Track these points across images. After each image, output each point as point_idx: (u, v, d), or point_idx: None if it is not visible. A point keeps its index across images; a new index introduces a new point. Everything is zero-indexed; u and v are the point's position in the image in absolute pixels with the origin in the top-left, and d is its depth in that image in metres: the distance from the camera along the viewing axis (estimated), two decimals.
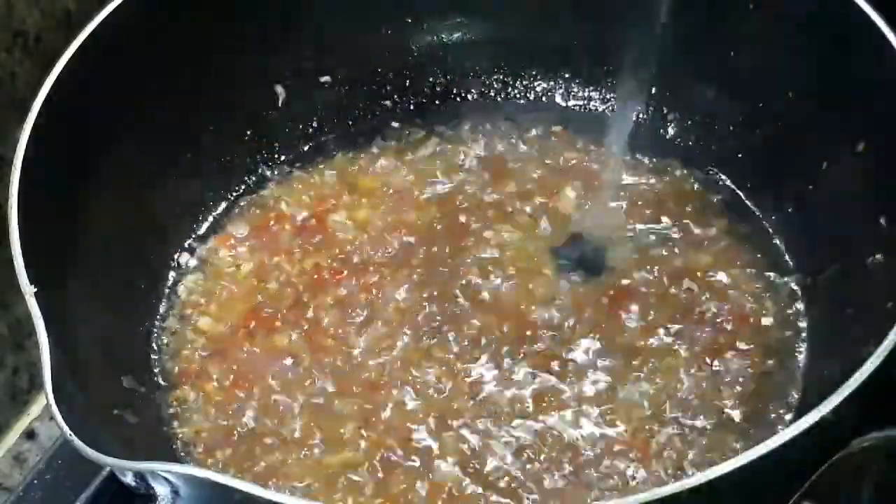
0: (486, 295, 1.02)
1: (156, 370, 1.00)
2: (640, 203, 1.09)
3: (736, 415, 0.94)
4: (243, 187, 1.14)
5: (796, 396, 0.95)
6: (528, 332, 0.99)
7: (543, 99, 1.20)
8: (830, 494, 0.81)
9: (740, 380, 0.96)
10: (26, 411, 1.13)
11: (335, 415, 0.95)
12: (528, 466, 0.91)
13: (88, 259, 0.95)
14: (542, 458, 0.92)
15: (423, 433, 0.93)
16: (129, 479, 0.76)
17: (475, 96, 1.21)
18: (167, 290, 1.06)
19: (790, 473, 0.78)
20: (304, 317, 1.02)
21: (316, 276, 1.05)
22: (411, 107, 1.20)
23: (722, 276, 1.03)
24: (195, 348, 1.01)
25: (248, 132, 1.15)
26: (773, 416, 0.94)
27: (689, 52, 1.11)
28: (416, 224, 1.08)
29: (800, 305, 1.01)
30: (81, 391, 0.81)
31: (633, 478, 0.90)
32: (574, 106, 1.19)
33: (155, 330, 1.03)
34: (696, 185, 1.11)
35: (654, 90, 1.16)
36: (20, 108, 0.94)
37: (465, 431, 0.93)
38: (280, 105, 1.16)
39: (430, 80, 1.21)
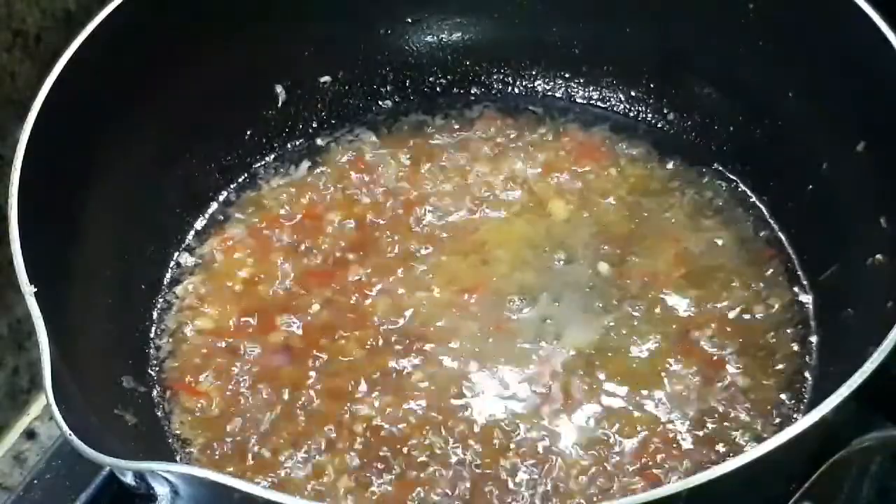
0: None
1: (155, 370, 1.00)
2: (638, 201, 1.09)
3: (736, 415, 0.94)
4: (242, 187, 1.14)
5: (796, 397, 0.95)
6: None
7: (544, 99, 1.20)
8: (830, 494, 0.81)
9: (739, 380, 0.96)
10: (26, 411, 1.13)
11: (332, 414, 0.95)
12: (528, 468, 0.92)
13: (88, 259, 0.95)
14: (537, 460, 0.92)
15: (418, 434, 0.93)
16: (129, 479, 0.76)
17: (475, 96, 1.21)
18: (166, 291, 1.06)
19: (790, 473, 0.78)
20: (302, 316, 1.02)
21: (313, 276, 1.05)
22: (411, 107, 1.20)
23: (721, 277, 1.03)
24: (193, 348, 1.01)
25: (248, 132, 1.15)
26: (772, 415, 0.94)
27: (689, 51, 1.11)
28: (414, 224, 1.08)
29: (800, 306, 1.01)
30: (81, 391, 0.81)
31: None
32: (574, 106, 1.19)
33: (154, 330, 1.03)
34: (694, 185, 1.11)
35: (653, 90, 1.16)
36: (20, 108, 0.94)
37: (459, 434, 0.94)
38: (280, 105, 1.16)
39: (430, 80, 1.21)
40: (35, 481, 0.96)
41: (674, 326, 1.00)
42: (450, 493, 0.90)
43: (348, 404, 0.96)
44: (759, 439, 0.91)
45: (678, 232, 1.07)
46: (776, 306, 1.01)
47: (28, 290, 0.81)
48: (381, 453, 0.92)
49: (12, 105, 1.03)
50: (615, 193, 1.10)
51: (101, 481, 0.80)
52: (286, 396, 0.97)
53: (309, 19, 1.13)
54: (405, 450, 0.93)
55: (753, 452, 0.70)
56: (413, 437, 0.93)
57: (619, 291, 1.02)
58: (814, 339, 0.99)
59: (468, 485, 0.90)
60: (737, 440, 0.92)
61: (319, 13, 1.13)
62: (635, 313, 1.01)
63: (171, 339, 1.03)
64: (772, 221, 1.07)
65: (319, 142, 1.18)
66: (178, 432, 0.96)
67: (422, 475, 0.91)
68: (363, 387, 0.97)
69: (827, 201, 1.01)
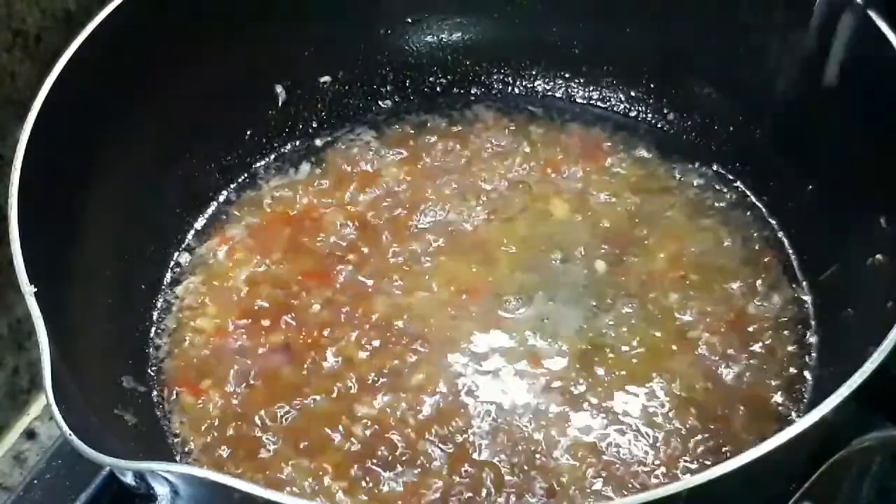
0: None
1: (155, 370, 1.00)
2: (637, 201, 1.09)
3: (735, 414, 0.94)
4: (242, 187, 1.14)
5: (796, 397, 0.95)
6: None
7: (544, 99, 1.20)
8: (830, 494, 0.81)
9: (739, 380, 0.96)
10: (26, 411, 1.13)
11: (331, 414, 0.95)
12: (526, 467, 0.92)
13: (88, 259, 0.95)
14: (536, 459, 0.92)
15: (417, 434, 0.93)
16: (129, 479, 0.76)
17: (475, 97, 1.21)
18: (166, 291, 1.06)
19: (790, 473, 0.78)
20: (301, 316, 1.02)
21: (313, 276, 1.05)
22: (411, 107, 1.20)
23: (720, 277, 1.03)
24: (193, 348, 1.01)
25: (248, 132, 1.15)
26: (772, 415, 0.94)
27: (689, 51, 1.11)
28: (414, 224, 1.08)
29: (799, 306, 1.01)
30: (81, 391, 0.81)
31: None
32: (574, 106, 1.19)
33: (153, 329, 1.03)
34: (694, 185, 1.11)
35: (653, 90, 1.16)
36: (20, 108, 0.94)
37: (458, 433, 0.94)
38: (280, 105, 1.16)
39: (430, 80, 1.21)
40: (35, 481, 0.96)
41: (672, 326, 1.00)
42: (449, 493, 0.90)
43: (347, 404, 0.96)
44: (759, 439, 0.90)
45: (678, 232, 1.07)
46: (776, 306, 1.01)
47: (28, 290, 0.81)
48: (380, 453, 0.92)
49: (12, 105, 1.03)
50: (615, 193, 1.10)
51: (101, 481, 0.80)
52: (284, 396, 0.97)
53: (309, 19, 1.13)
54: (404, 450, 0.93)
55: (753, 452, 0.70)
56: (412, 437, 0.93)
57: (618, 291, 1.02)
58: (814, 339, 0.99)
59: (467, 484, 0.90)
60: (736, 440, 0.92)
61: (319, 13, 1.13)
62: (633, 312, 1.01)
63: (170, 339, 1.03)
64: (772, 221, 1.07)
65: (319, 142, 1.18)
66: (177, 432, 0.96)
67: (421, 475, 0.91)
68: (362, 387, 0.97)
69: (827, 201, 1.01)
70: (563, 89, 1.20)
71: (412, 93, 1.21)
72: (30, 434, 1.12)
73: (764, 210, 1.08)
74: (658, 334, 0.99)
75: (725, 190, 1.10)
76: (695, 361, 0.97)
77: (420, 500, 0.90)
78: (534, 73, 1.20)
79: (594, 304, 1.02)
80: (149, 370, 1.00)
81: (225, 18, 1.07)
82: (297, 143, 1.17)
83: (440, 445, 0.93)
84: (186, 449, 0.95)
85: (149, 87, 1.02)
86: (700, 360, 0.97)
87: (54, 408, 0.74)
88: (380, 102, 1.20)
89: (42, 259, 0.84)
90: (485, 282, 1.04)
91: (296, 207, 1.11)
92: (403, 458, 0.92)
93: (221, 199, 1.13)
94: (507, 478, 0.91)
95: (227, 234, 1.10)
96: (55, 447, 0.99)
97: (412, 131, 1.18)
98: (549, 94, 1.21)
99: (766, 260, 1.05)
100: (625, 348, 0.98)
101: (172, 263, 1.08)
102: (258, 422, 0.96)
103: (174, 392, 0.99)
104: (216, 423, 0.96)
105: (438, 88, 1.21)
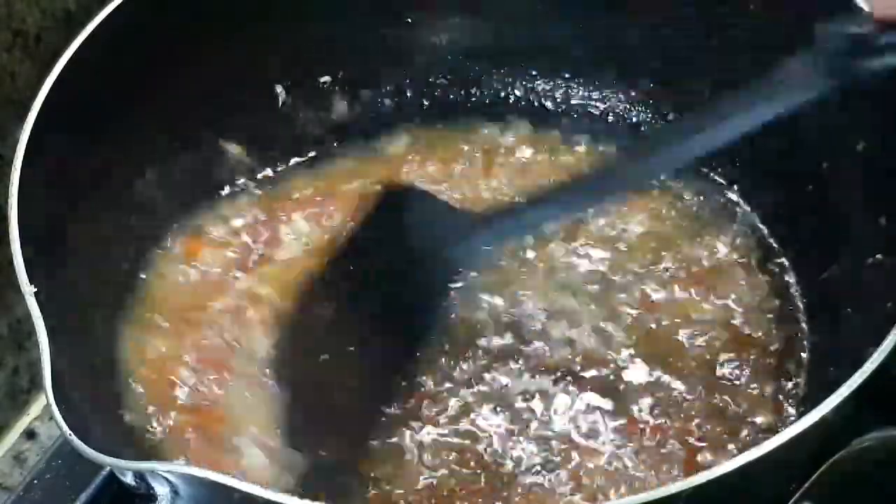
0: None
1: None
2: (636, 201, 1.09)
3: (734, 415, 0.94)
4: (242, 187, 1.14)
5: (795, 397, 0.95)
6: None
7: (544, 99, 1.20)
8: (830, 494, 0.81)
9: (739, 381, 0.96)
10: (26, 411, 1.13)
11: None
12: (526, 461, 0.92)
13: (88, 259, 0.95)
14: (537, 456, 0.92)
15: (415, 430, 0.93)
16: (129, 479, 0.76)
17: (475, 96, 1.21)
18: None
19: (790, 473, 0.78)
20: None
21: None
22: (411, 107, 1.20)
23: (718, 277, 1.03)
24: (193, 347, 1.01)
25: (248, 133, 1.15)
26: (771, 415, 0.94)
27: (688, 51, 1.11)
28: None
29: (799, 306, 1.01)
30: (81, 391, 0.81)
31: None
32: (574, 107, 1.19)
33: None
34: (694, 184, 1.11)
35: (653, 90, 1.16)
36: (20, 108, 0.94)
37: (461, 432, 0.94)
38: (280, 105, 1.16)
39: (431, 80, 1.21)
40: (35, 481, 0.96)
41: (669, 326, 1.00)
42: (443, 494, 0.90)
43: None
44: (758, 439, 0.91)
45: (676, 232, 1.07)
46: (775, 307, 1.01)
47: (28, 290, 0.81)
48: (381, 454, 0.92)
49: (12, 105, 1.03)
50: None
51: (101, 481, 0.80)
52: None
53: (309, 19, 1.13)
54: (404, 450, 0.93)
55: (753, 452, 0.70)
56: (413, 435, 0.93)
57: (615, 292, 1.02)
58: (813, 339, 0.98)
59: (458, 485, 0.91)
60: (735, 440, 0.92)
61: (319, 13, 1.13)
62: (630, 312, 1.01)
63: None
64: (771, 222, 1.07)
65: (319, 143, 1.17)
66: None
67: (418, 476, 0.91)
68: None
69: (827, 201, 1.01)
70: (563, 89, 1.20)
71: (412, 94, 1.21)
72: (30, 434, 1.12)
73: (762, 210, 1.08)
74: (654, 335, 0.99)
75: (725, 190, 1.10)
76: (692, 361, 0.97)
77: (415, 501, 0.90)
78: (534, 73, 1.20)
79: (592, 306, 1.01)
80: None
81: (225, 18, 1.07)
82: (297, 143, 1.17)
83: (438, 443, 0.93)
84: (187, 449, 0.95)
85: (149, 87, 1.02)
86: (697, 359, 0.97)
87: (54, 408, 0.74)
88: (379, 102, 1.20)
89: (42, 259, 0.84)
90: None
91: (297, 207, 1.11)
92: (400, 459, 0.92)
93: (221, 200, 1.13)
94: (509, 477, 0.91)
95: (225, 233, 1.10)
96: (55, 447, 0.99)
97: (412, 132, 1.18)
98: (549, 94, 1.20)
99: (764, 260, 1.05)
100: (621, 350, 0.98)
101: (171, 263, 1.08)
102: (259, 422, 0.95)
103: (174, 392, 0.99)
104: (216, 423, 0.96)
105: (438, 89, 1.21)
